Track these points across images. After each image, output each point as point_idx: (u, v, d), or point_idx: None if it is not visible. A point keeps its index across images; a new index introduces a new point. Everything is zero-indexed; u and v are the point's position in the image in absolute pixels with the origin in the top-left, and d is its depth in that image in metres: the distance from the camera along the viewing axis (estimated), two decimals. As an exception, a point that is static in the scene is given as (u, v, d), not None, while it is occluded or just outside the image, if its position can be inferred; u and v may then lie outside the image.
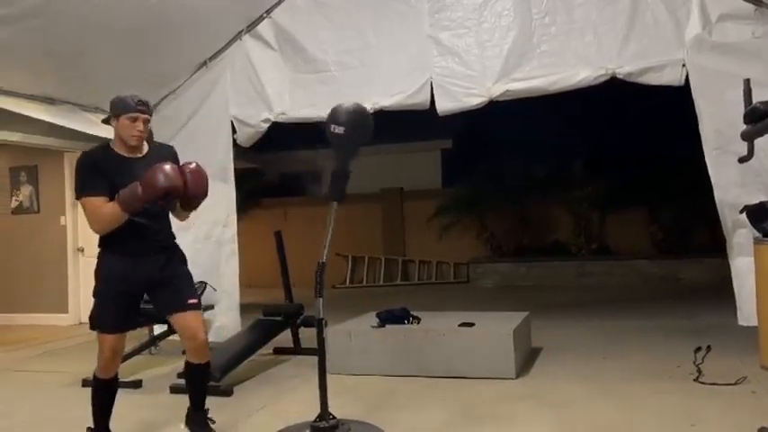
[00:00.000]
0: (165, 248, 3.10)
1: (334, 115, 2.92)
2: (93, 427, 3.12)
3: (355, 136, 2.93)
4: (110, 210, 2.85)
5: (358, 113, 2.96)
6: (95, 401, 3.10)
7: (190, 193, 2.88)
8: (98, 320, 3.03)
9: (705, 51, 4.48)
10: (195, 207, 3.03)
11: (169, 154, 3.13)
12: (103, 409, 3.10)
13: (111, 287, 3.00)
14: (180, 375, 4.33)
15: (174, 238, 3.18)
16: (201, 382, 3.24)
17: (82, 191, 2.93)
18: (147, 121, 3.00)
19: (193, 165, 2.92)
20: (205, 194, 2.96)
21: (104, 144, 3.09)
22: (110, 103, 3.01)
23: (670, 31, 4.61)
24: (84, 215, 2.99)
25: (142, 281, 3.01)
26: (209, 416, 3.23)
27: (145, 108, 2.98)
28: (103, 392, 3.10)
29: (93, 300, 3.09)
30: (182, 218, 3.16)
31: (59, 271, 7.87)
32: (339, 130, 2.88)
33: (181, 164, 2.97)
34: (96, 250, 3.08)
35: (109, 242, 3.03)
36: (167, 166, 2.79)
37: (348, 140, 2.90)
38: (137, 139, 2.99)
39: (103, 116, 5.63)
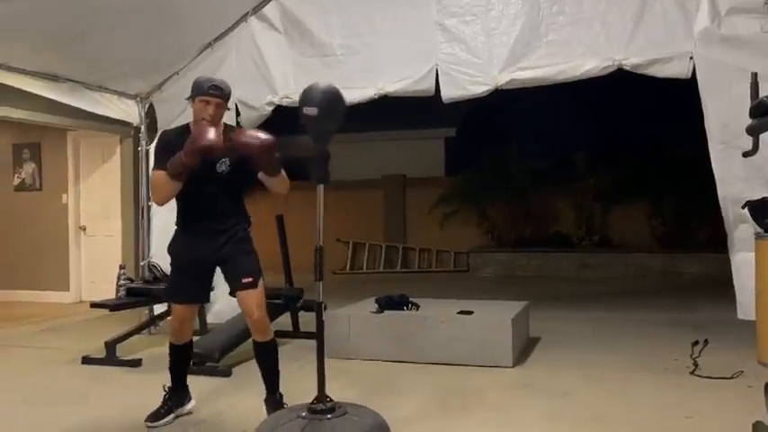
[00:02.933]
0: (226, 231, 3.22)
1: (306, 96, 2.83)
2: (170, 385, 3.43)
3: (328, 117, 2.84)
4: (161, 178, 3.04)
5: (330, 94, 2.88)
6: (170, 363, 3.43)
7: (247, 153, 3.00)
8: (167, 291, 3.48)
9: (713, 44, 4.44)
10: (270, 169, 3.08)
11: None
12: (177, 369, 3.43)
13: (176, 263, 3.31)
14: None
15: (242, 222, 3.30)
16: (269, 361, 3.32)
17: (154, 166, 3.17)
18: (219, 105, 3.10)
19: (253, 132, 3.07)
20: (264, 151, 2.99)
21: (185, 124, 3.24)
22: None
23: (678, 23, 4.57)
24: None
25: (202, 259, 3.21)
26: (284, 401, 3.30)
27: (218, 92, 3.09)
28: (176, 356, 3.41)
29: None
30: (273, 186, 3.22)
31: (61, 249, 7.89)
32: (311, 111, 2.79)
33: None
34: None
35: (179, 222, 3.29)
36: (209, 129, 2.94)
37: (321, 121, 2.81)
38: (207, 123, 3.06)
39: (107, 95, 5.73)
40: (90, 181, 7.96)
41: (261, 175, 3.17)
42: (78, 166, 7.99)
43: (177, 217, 3.29)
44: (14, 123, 6.95)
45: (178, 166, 2.96)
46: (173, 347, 3.41)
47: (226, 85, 3.17)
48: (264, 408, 3.29)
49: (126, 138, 7.20)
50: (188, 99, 3.16)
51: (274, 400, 3.30)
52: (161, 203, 3.17)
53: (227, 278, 3.27)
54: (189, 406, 3.50)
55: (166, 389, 3.43)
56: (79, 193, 7.99)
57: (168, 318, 5.27)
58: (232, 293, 3.26)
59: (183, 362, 3.46)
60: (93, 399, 3.95)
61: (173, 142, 3.11)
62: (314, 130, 2.85)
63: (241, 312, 4.96)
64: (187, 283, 3.27)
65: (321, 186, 2.87)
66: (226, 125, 3.26)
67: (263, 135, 3.01)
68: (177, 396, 3.44)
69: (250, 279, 3.19)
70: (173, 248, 3.33)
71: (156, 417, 3.33)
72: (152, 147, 5.94)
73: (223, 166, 3.16)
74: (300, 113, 2.84)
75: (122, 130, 6.76)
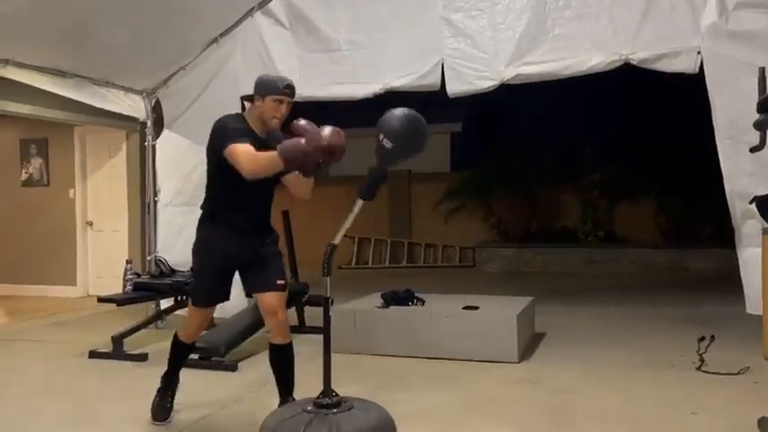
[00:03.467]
0: (267, 228, 3.18)
1: (387, 125, 2.58)
2: (166, 372, 3.36)
3: (403, 151, 2.64)
4: (268, 155, 2.72)
5: (414, 127, 2.61)
6: (173, 358, 3.35)
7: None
8: (193, 294, 3.21)
9: (721, 39, 4.42)
10: (308, 167, 2.81)
11: (282, 136, 3.05)
12: (178, 364, 3.37)
13: (211, 262, 3.10)
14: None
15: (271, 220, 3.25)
16: (289, 364, 3.20)
17: (232, 140, 2.85)
18: (289, 105, 3.04)
19: (302, 121, 2.73)
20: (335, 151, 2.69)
21: (238, 115, 3.13)
22: (256, 80, 3.07)
23: (686, 18, 4.55)
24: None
25: (241, 258, 3.09)
26: None
27: (291, 92, 3.03)
28: (182, 353, 3.36)
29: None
30: (301, 188, 3.10)
31: (68, 244, 7.93)
32: (388, 144, 2.55)
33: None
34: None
35: (215, 215, 3.09)
36: (329, 127, 2.60)
37: (394, 154, 2.61)
38: (277, 122, 3.02)
39: (114, 90, 5.75)
40: (97, 176, 8.00)
41: (289, 177, 3.05)
42: (85, 161, 8.03)
43: (218, 211, 3.09)
44: (21, 119, 6.98)
45: (300, 155, 2.60)
46: (181, 345, 3.33)
47: (294, 84, 3.09)
48: None
49: (132, 133, 7.23)
50: (252, 97, 3.04)
51: None
52: (254, 176, 2.79)
53: (253, 279, 3.13)
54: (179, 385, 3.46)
55: (162, 380, 3.36)
56: (86, 189, 8.02)
57: (175, 312, 5.32)
58: (255, 293, 3.14)
59: (186, 356, 3.43)
60: (99, 393, 3.97)
61: (243, 127, 2.99)
62: (384, 159, 2.66)
63: (248, 307, 4.98)
64: (218, 285, 3.14)
65: (360, 202, 2.77)
66: None
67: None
68: (174, 383, 3.39)
69: (283, 281, 3.13)
70: (208, 244, 3.10)
71: (163, 413, 3.31)
72: (158, 142, 6.00)
73: None
74: (376, 137, 2.61)
75: (129, 125, 6.78)
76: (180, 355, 3.37)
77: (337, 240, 2.81)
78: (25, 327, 6.13)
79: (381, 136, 2.60)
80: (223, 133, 2.95)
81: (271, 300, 3.10)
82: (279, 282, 3.10)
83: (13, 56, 4.78)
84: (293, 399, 3.18)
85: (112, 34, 4.97)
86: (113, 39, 5.03)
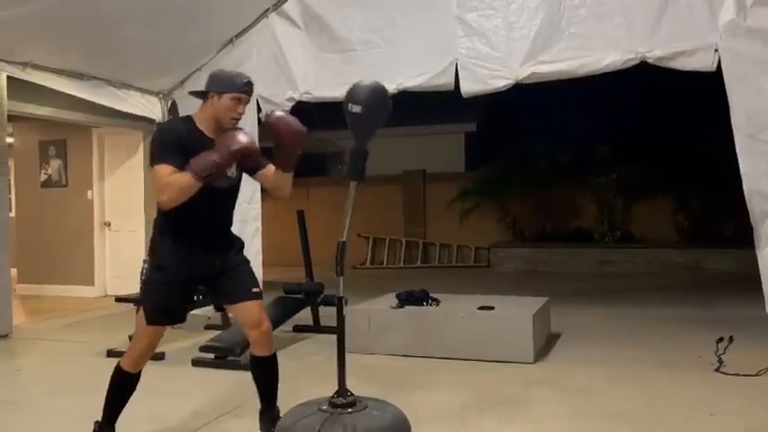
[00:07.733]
0: (227, 238, 2.95)
1: (353, 93, 2.78)
2: (101, 420, 2.87)
3: (373, 115, 2.79)
4: (181, 178, 2.57)
5: (377, 92, 2.80)
6: (115, 394, 2.85)
7: (282, 141, 2.76)
8: (149, 311, 2.78)
9: (739, 36, 4.37)
10: (291, 161, 2.81)
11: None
12: (121, 404, 2.87)
13: (168, 276, 2.77)
14: (202, 349, 4.43)
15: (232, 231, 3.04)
16: (271, 375, 2.99)
17: (158, 159, 2.63)
18: (247, 103, 2.81)
19: (278, 113, 2.79)
20: (297, 139, 2.78)
21: (185, 117, 2.87)
22: (211, 75, 2.81)
23: (703, 15, 4.50)
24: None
25: (202, 271, 2.82)
26: (279, 414, 2.96)
27: (250, 90, 2.79)
28: (127, 387, 2.86)
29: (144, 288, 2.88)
30: (282, 185, 2.91)
31: (86, 244, 8.02)
32: (356, 108, 2.73)
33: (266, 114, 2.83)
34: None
35: (171, 229, 2.78)
36: (239, 132, 2.67)
37: (365, 119, 2.76)
38: (234, 123, 2.76)
39: (131, 92, 5.80)
40: (114, 177, 8.08)
41: (265, 176, 2.91)
42: (103, 162, 8.11)
43: (171, 224, 2.77)
44: (40, 120, 7.07)
45: (211, 167, 2.56)
46: (125, 377, 2.82)
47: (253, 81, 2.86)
48: (262, 424, 2.99)
49: (149, 134, 7.28)
50: (206, 93, 2.76)
51: (273, 415, 2.97)
52: (173, 204, 2.63)
53: (223, 291, 2.91)
54: None
55: (97, 427, 2.88)
56: (104, 189, 8.11)
57: (192, 312, 5.34)
58: (229, 304, 2.95)
59: (130, 396, 2.88)
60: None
61: (183, 135, 2.70)
62: (357, 127, 2.80)
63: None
64: (175, 302, 2.83)
65: (354, 183, 2.86)
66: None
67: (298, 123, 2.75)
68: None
69: (258, 290, 2.92)
70: (164, 260, 2.78)
71: None
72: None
73: (232, 168, 2.79)
74: (345, 110, 2.78)
75: (146, 126, 6.85)
76: (122, 389, 2.84)
77: (345, 236, 2.83)
78: (44, 326, 6.21)
79: (350, 105, 2.77)
80: (155, 146, 2.70)
81: (251, 310, 2.86)
82: (254, 290, 2.89)
83: (31, 59, 4.85)
84: (278, 408, 2.99)
85: (129, 37, 5.02)
86: (130, 41, 5.09)
